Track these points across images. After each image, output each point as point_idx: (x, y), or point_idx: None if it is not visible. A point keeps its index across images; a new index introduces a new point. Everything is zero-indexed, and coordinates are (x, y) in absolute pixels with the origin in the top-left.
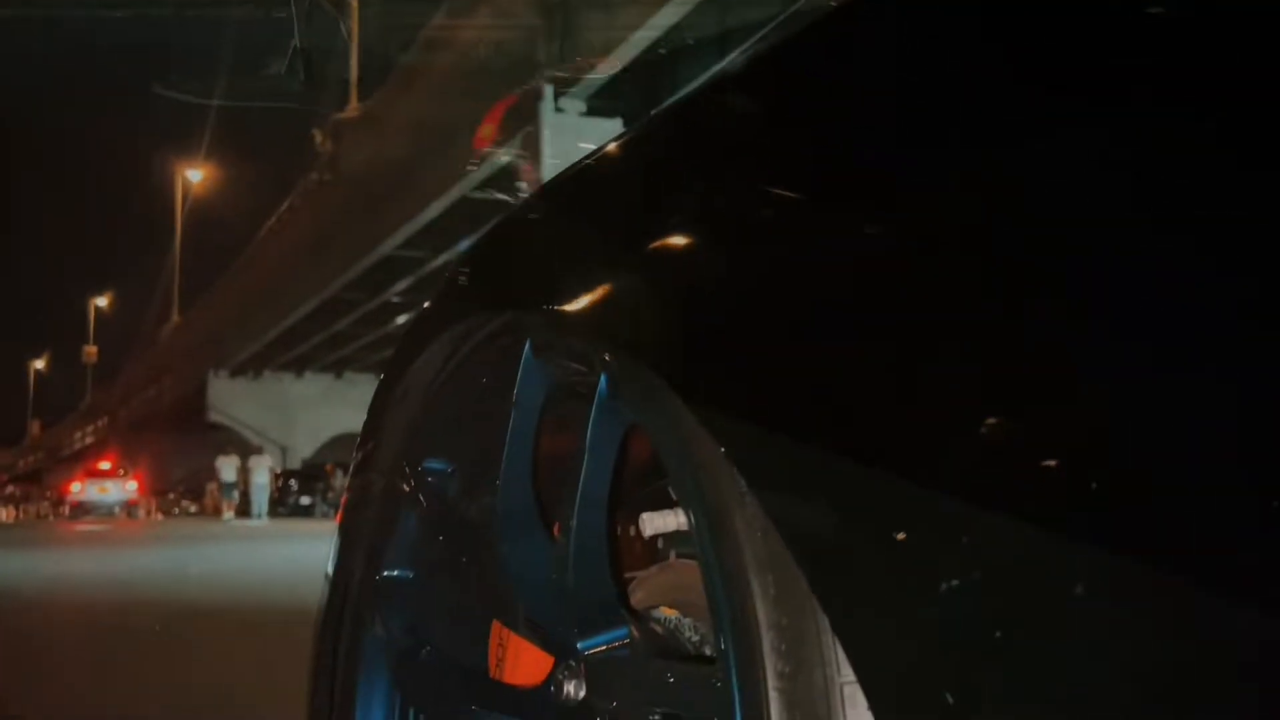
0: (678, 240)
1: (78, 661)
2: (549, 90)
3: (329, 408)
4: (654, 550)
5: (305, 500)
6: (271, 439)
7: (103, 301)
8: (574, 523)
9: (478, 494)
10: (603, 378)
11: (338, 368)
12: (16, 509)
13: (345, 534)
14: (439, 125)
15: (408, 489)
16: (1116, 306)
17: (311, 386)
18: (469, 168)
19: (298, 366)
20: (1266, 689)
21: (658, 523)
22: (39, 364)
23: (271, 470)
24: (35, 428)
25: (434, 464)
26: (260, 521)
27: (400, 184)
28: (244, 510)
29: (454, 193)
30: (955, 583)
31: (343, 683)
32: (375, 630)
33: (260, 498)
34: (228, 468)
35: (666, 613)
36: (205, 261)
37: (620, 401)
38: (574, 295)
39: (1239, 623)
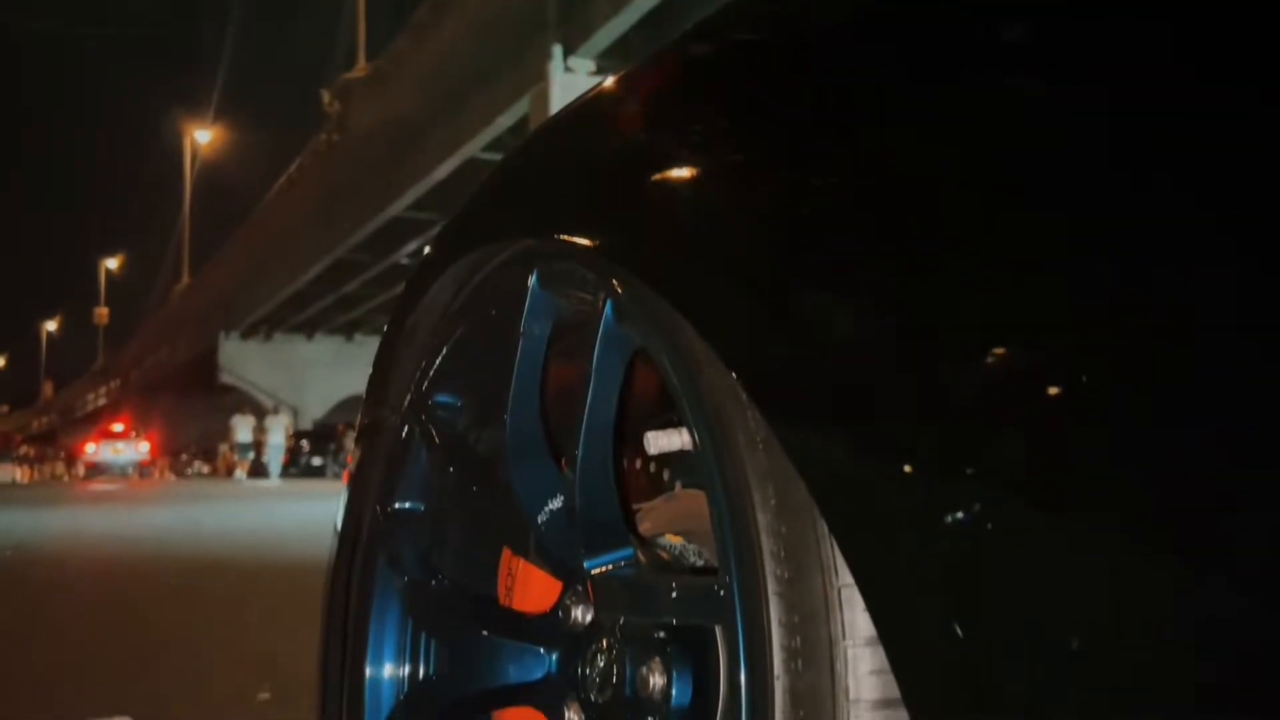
0: (683, 168)
1: (98, 612)
2: (558, 50)
3: (339, 370)
4: (660, 482)
5: (316, 461)
6: (282, 400)
7: (113, 263)
8: (580, 448)
9: (487, 427)
10: (608, 305)
11: (348, 330)
12: (31, 469)
13: (358, 468)
14: (448, 85)
15: (418, 423)
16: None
17: (322, 349)
18: None
19: (308, 329)
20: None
21: (662, 442)
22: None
23: (287, 430)
24: (48, 389)
25: (444, 398)
26: (275, 482)
27: (409, 144)
28: (257, 471)
29: (463, 153)
30: (952, 490)
31: (356, 611)
32: (388, 560)
33: (275, 458)
34: (243, 428)
35: (672, 540)
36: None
37: (625, 327)
38: (582, 223)
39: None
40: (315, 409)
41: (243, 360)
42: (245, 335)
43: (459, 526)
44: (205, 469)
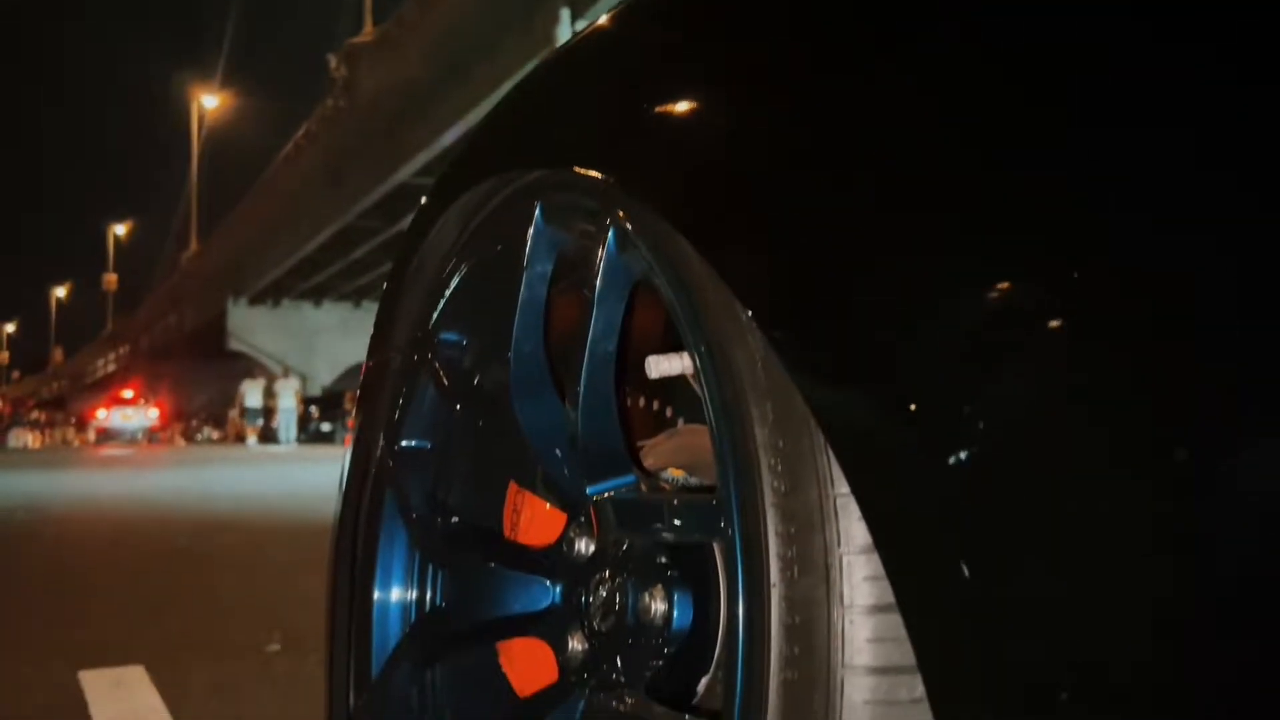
0: (684, 95)
1: (110, 569)
2: (565, 14)
3: (347, 336)
4: (662, 419)
5: (325, 427)
6: (291, 367)
7: (121, 230)
8: (583, 376)
9: (493, 363)
10: (611, 233)
11: (356, 297)
12: (42, 434)
13: (364, 407)
14: (455, 50)
15: (424, 362)
16: None
17: (330, 315)
18: None
19: (316, 295)
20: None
21: (663, 366)
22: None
23: (298, 394)
24: (58, 355)
25: (449, 336)
26: (286, 446)
27: (416, 110)
28: (268, 436)
29: (471, 118)
30: (947, 400)
31: (364, 547)
32: (395, 497)
33: (288, 421)
34: (253, 392)
35: (674, 474)
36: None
37: (627, 256)
38: (586, 152)
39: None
40: (324, 375)
41: (251, 327)
42: (253, 302)
43: (465, 462)
44: (215, 434)
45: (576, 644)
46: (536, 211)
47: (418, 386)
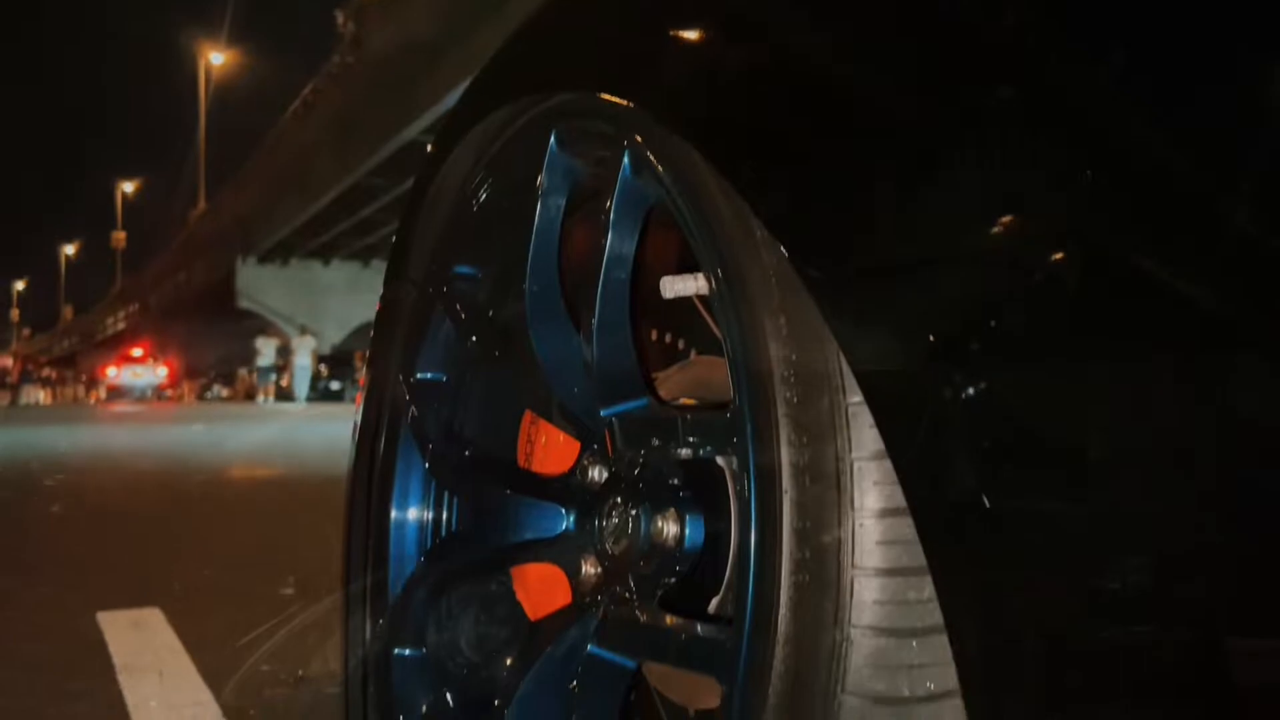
0: (707, 17)
1: (126, 517)
2: None
3: (356, 295)
4: (675, 351)
5: (335, 385)
6: (300, 325)
7: (130, 187)
8: (599, 299)
9: (508, 295)
10: (626, 157)
11: (365, 255)
12: (53, 392)
13: (379, 341)
14: (463, 5)
15: (439, 295)
16: None
17: (339, 274)
18: None
19: (325, 254)
20: None
21: (678, 286)
22: (69, 249)
23: (314, 352)
24: (68, 313)
25: (464, 269)
26: (301, 404)
27: (424, 67)
28: (282, 393)
29: None
30: (957, 308)
31: (380, 478)
32: (411, 429)
33: (302, 379)
34: (267, 350)
35: (686, 404)
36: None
37: (642, 179)
38: (602, 75)
39: None
40: (332, 334)
41: (260, 285)
42: (262, 260)
43: (480, 394)
44: (224, 392)
45: (589, 568)
46: (551, 139)
47: (432, 319)
